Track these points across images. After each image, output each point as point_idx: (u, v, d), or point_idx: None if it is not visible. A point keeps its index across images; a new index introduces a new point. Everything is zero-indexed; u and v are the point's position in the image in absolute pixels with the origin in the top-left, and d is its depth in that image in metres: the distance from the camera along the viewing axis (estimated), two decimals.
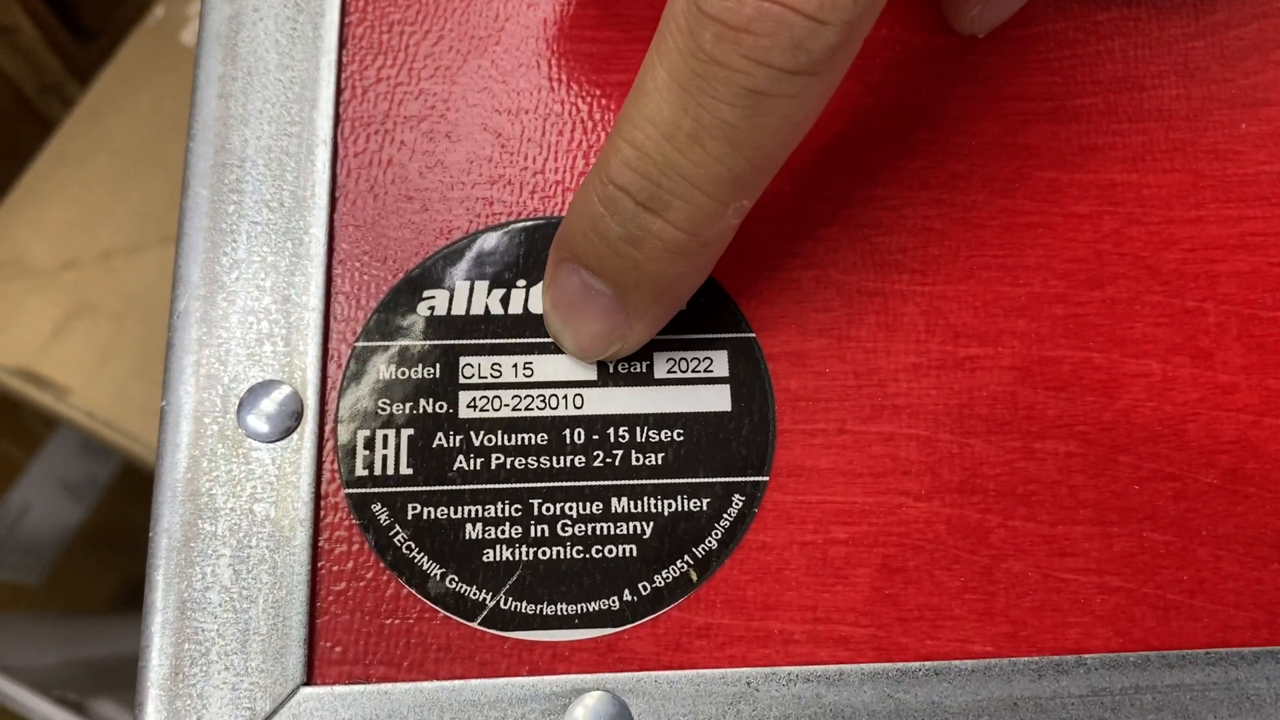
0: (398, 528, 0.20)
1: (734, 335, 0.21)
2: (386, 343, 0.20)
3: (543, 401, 0.20)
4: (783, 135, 0.17)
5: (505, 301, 0.21)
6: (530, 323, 0.21)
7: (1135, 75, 0.23)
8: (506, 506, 0.20)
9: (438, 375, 0.20)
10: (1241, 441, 0.20)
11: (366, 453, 0.20)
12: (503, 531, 0.20)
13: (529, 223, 0.21)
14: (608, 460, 0.20)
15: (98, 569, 0.76)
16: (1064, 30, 0.23)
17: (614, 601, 0.19)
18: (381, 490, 0.20)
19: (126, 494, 0.76)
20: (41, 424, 0.69)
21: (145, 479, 0.76)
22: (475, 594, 0.19)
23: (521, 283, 0.21)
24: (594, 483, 0.20)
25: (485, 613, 0.19)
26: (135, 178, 0.48)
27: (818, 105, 0.17)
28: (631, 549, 0.20)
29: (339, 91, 0.22)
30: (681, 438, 0.20)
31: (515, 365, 0.20)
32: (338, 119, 0.22)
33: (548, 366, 0.20)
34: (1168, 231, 0.22)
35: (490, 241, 0.21)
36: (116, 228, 0.47)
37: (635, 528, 0.20)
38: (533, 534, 0.20)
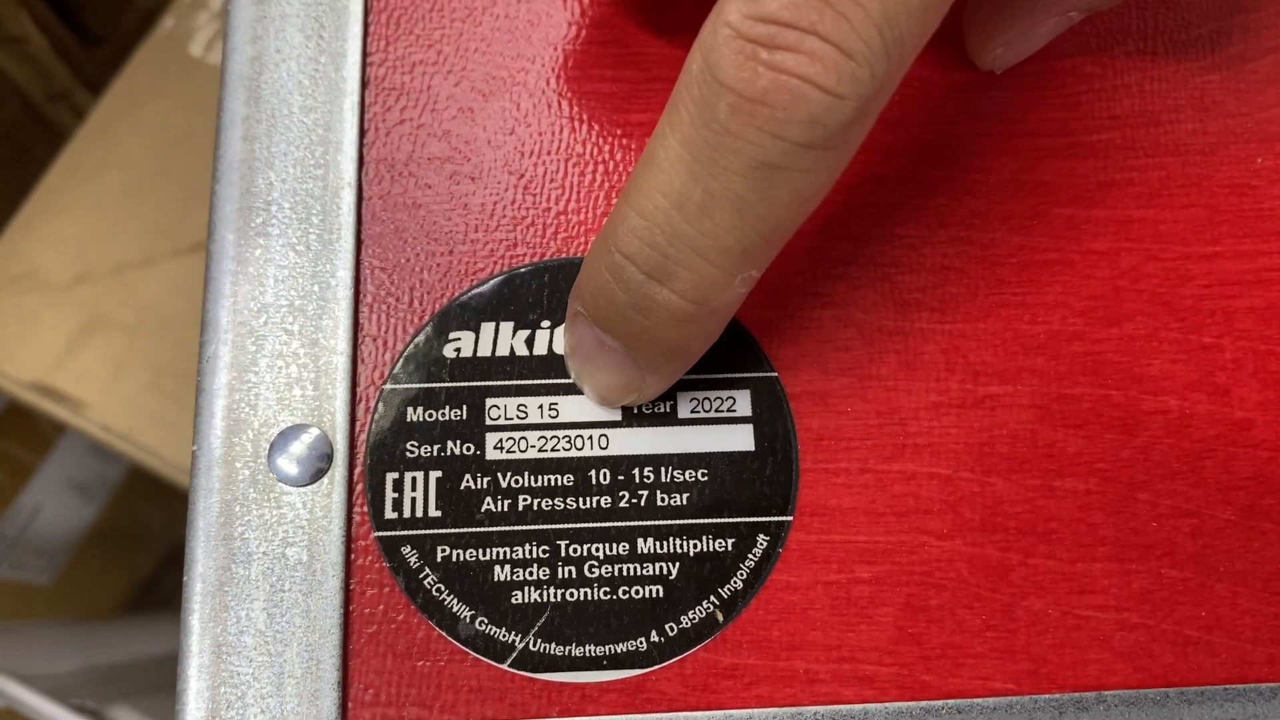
0: (427, 570, 0.20)
1: (756, 375, 0.21)
2: (414, 385, 0.21)
3: (568, 442, 0.21)
4: (793, 209, 0.17)
5: (530, 343, 0.21)
6: (555, 364, 0.21)
7: (1151, 110, 0.23)
8: (534, 548, 0.20)
9: (465, 417, 0.21)
10: (1258, 477, 0.21)
11: (395, 495, 0.20)
12: (531, 573, 0.20)
13: (553, 263, 0.21)
14: (633, 501, 0.20)
15: (108, 568, 0.77)
16: (1080, 65, 0.23)
17: (641, 643, 0.20)
18: (411, 533, 0.20)
19: (136, 493, 0.77)
20: (52, 427, 0.69)
21: (155, 479, 0.76)
22: (505, 636, 0.20)
23: (546, 324, 0.21)
24: (620, 523, 0.20)
25: (515, 654, 0.19)
26: (146, 191, 0.48)
27: (830, 179, 0.17)
28: (658, 590, 0.20)
29: (362, 133, 0.22)
30: (706, 478, 0.20)
31: (541, 406, 0.21)
32: (362, 161, 0.22)
33: (573, 407, 0.21)
34: (1184, 267, 0.22)
35: (515, 283, 0.21)
36: (128, 241, 0.48)
37: (661, 568, 0.20)
38: (560, 575, 0.20)
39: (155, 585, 0.80)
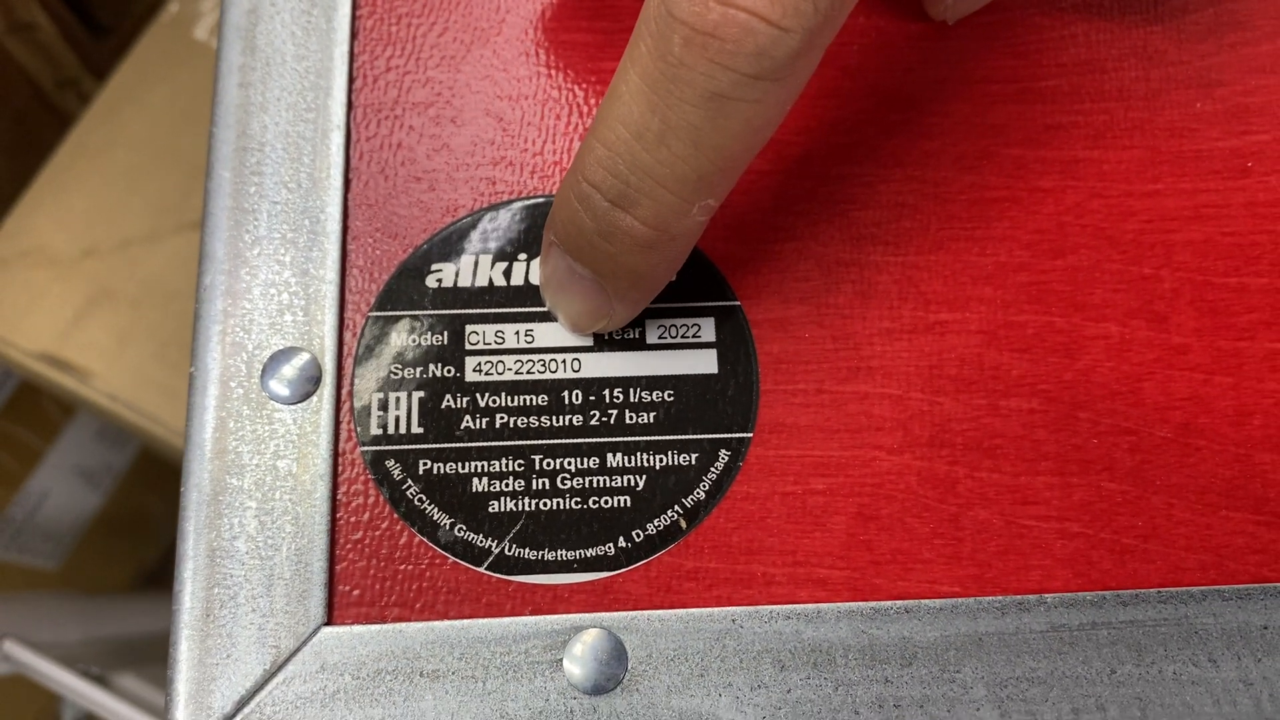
0: (410, 482, 0.21)
1: (720, 304, 0.22)
2: (398, 312, 0.22)
3: (543, 365, 0.22)
4: (744, 139, 0.18)
5: (508, 274, 0.22)
6: (531, 293, 0.22)
7: (1097, 58, 0.24)
8: (510, 462, 0.21)
9: (445, 342, 0.22)
10: (1193, 398, 0.22)
11: (380, 413, 0.22)
12: (507, 485, 0.21)
13: (529, 201, 0.23)
14: (603, 419, 0.22)
15: (113, 554, 0.78)
16: (1030, 16, 0.24)
17: (610, 548, 0.21)
18: (395, 448, 0.21)
19: (142, 482, 0.78)
20: (60, 412, 0.71)
21: (161, 466, 0.77)
22: (482, 541, 0.21)
23: (522, 256, 0.22)
24: (591, 440, 0.21)
25: (491, 558, 0.21)
26: (151, 170, 0.50)
27: (779, 111, 0.18)
28: (626, 500, 0.21)
29: (351, 80, 0.23)
30: (672, 398, 0.22)
31: (517, 332, 0.22)
32: (350, 105, 0.23)
33: (547, 333, 0.22)
34: (1126, 204, 0.23)
35: (493, 219, 0.23)
36: (134, 218, 0.49)
37: (629, 480, 0.21)
38: (534, 487, 0.21)
39: (159, 577, 0.82)
